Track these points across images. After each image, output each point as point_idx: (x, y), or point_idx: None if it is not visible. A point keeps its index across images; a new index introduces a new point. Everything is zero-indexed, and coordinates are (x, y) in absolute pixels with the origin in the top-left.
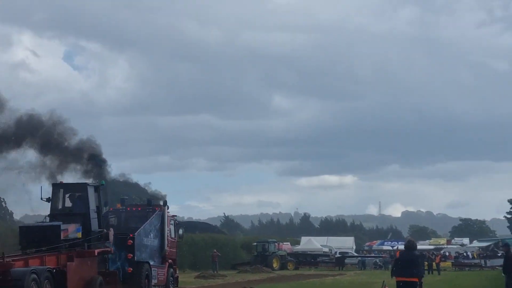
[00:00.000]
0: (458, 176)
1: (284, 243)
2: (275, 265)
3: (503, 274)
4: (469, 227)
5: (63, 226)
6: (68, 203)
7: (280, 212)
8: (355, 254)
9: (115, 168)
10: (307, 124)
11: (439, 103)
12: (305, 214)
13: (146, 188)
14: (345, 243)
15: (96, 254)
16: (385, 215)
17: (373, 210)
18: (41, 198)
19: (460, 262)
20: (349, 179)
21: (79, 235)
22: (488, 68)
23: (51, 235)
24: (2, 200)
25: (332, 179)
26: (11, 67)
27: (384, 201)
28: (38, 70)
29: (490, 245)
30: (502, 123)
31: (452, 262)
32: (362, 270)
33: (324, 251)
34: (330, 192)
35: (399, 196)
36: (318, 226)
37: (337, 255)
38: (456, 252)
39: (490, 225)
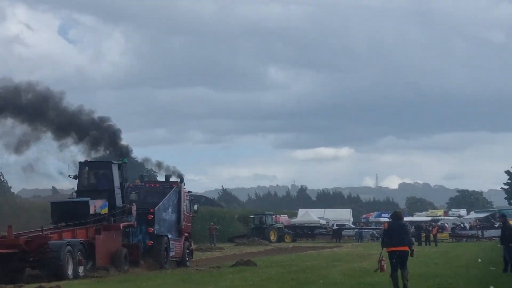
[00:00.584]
0: (454, 148)
1: (281, 215)
2: (272, 237)
3: (500, 245)
4: (466, 198)
5: (91, 202)
6: (93, 180)
7: (277, 185)
8: (352, 226)
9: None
10: (302, 97)
11: (435, 75)
12: (302, 186)
13: (144, 163)
14: (342, 215)
15: (121, 227)
16: (382, 187)
17: (369, 182)
18: (69, 176)
19: (457, 233)
20: (345, 151)
21: (105, 210)
22: (485, 40)
23: (80, 210)
24: (0, 174)
25: (328, 151)
26: (6, 41)
27: (380, 173)
28: (33, 44)
29: (487, 216)
30: (498, 94)
31: (449, 234)
32: (359, 242)
33: (321, 224)
34: (326, 165)
35: (395, 168)
36: (315, 199)
37: (334, 227)
38: (453, 223)
39: (487, 196)
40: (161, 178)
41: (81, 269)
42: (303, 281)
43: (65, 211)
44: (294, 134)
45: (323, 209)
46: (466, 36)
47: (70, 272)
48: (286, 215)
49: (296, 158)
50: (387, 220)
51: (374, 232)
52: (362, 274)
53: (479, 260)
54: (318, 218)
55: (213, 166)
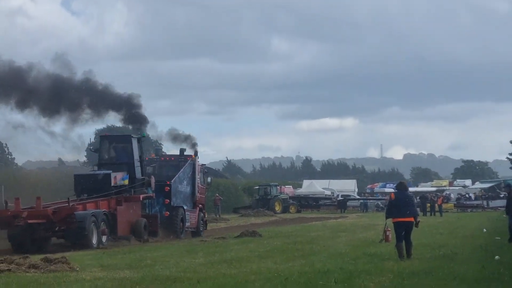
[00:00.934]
0: (459, 118)
1: (286, 186)
2: (277, 208)
3: (505, 215)
4: (471, 169)
5: (112, 174)
6: (113, 154)
7: (282, 156)
8: (357, 197)
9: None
10: (306, 67)
11: (438, 45)
12: (306, 157)
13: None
14: (347, 186)
15: (141, 199)
16: (387, 157)
17: (374, 153)
18: (90, 149)
19: (462, 203)
20: (349, 122)
21: (126, 182)
22: (488, 9)
23: (103, 183)
24: (5, 145)
25: (333, 122)
26: (9, 13)
27: (385, 144)
28: (35, 16)
29: (492, 186)
30: (503, 64)
31: (454, 204)
32: (364, 213)
33: (326, 194)
34: (330, 136)
35: (400, 139)
36: (319, 170)
37: (339, 198)
38: (458, 194)
39: (492, 167)
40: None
41: (104, 239)
42: (308, 251)
43: (88, 183)
44: (298, 105)
45: (327, 180)
46: (470, 5)
47: (94, 241)
48: (291, 186)
49: (300, 129)
50: (392, 190)
51: (379, 203)
52: (367, 245)
53: (484, 230)
54: (323, 189)
55: (217, 137)
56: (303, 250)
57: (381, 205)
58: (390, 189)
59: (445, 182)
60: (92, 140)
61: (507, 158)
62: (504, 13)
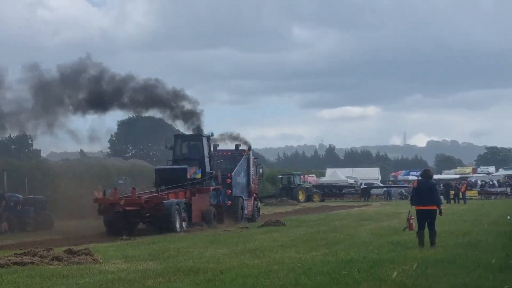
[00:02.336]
0: (481, 104)
1: (309, 175)
2: (300, 197)
3: None
4: (495, 155)
5: (188, 169)
6: (186, 150)
7: (305, 144)
8: (381, 185)
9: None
10: (327, 55)
11: (459, 31)
12: (330, 146)
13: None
14: (371, 174)
15: (211, 190)
16: (410, 145)
17: (397, 141)
18: (166, 147)
19: (486, 190)
20: (371, 110)
21: (199, 176)
22: None
23: (180, 176)
24: (29, 137)
25: (355, 110)
26: (29, 5)
27: (408, 131)
28: (56, 7)
29: None
30: None
31: (478, 191)
32: (387, 201)
33: (349, 183)
34: (353, 124)
35: (423, 126)
36: (343, 158)
37: (363, 186)
38: (482, 181)
39: None
40: None
41: (184, 225)
42: (332, 240)
43: (167, 176)
44: (320, 93)
45: (351, 168)
46: None
47: (177, 226)
48: (314, 175)
49: (322, 118)
50: (416, 178)
51: (403, 191)
52: (390, 233)
53: (508, 217)
54: (346, 177)
55: (240, 127)
56: (326, 239)
57: (404, 193)
58: (413, 176)
59: (468, 169)
60: (115, 131)
61: None
62: None
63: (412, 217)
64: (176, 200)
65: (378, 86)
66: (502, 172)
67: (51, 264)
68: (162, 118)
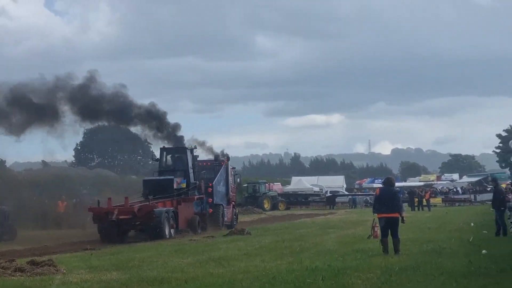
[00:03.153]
0: (446, 112)
1: (275, 183)
2: (266, 205)
3: (492, 209)
4: (459, 163)
5: (175, 179)
6: (171, 162)
7: (270, 153)
8: (346, 193)
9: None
10: (292, 64)
11: (423, 40)
12: (295, 154)
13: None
14: (336, 182)
15: (195, 199)
16: (375, 153)
17: (362, 149)
18: (153, 159)
19: (450, 197)
20: (336, 118)
21: (184, 185)
22: (471, 2)
23: (167, 186)
24: None
25: (319, 118)
26: None
27: (372, 139)
28: (17, 16)
29: (479, 180)
30: (488, 58)
31: (442, 198)
32: (352, 209)
33: (314, 191)
34: (318, 132)
35: (387, 134)
36: (308, 166)
37: (328, 194)
38: (446, 188)
39: (479, 160)
40: None
41: (172, 231)
42: (297, 249)
43: (155, 186)
44: (284, 102)
45: (316, 176)
46: None
47: (167, 233)
48: (279, 183)
49: (287, 126)
50: (381, 186)
51: (368, 198)
52: (355, 241)
53: (472, 224)
54: (311, 185)
55: (205, 135)
56: (291, 247)
57: (369, 201)
58: (378, 184)
59: (432, 177)
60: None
61: (494, 151)
62: (487, 7)
63: (377, 225)
64: (165, 209)
65: (343, 94)
66: (466, 179)
67: (13, 276)
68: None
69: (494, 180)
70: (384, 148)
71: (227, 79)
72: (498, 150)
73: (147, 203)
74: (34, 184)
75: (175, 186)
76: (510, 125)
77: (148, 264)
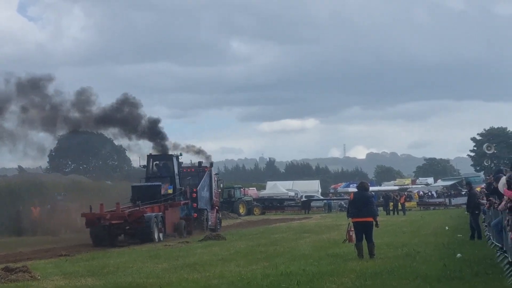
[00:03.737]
0: (420, 116)
1: (250, 188)
2: (241, 210)
3: (466, 212)
4: (434, 167)
5: (162, 185)
6: (158, 169)
7: (245, 158)
8: (321, 197)
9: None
10: (266, 69)
11: (396, 45)
12: (270, 159)
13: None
14: (311, 187)
15: (181, 204)
16: (350, 157)
17: (337, 153)
18: (139, 166)
19: (425, 201)
20: (310, 122)
21: (171, 191)
22: (444, 7)
23: (154, 192)
24: None
25: (294, 123)
26: None
27: (347, 144)
28: None
29: (454, 183)
30: (461, 62)
31: (417, 202)
32: (328, 213)
33: (290, 195)
34: (292, 137)
35: (362, 138)
36: (283, 171)
37: (303, 199)
38: (421, 192)
39: (454, 164)
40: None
41: (161, 235)
42: (272, 253)
43: (143, 192)
44: (259, 107)
45: (291, 181)
46: (426, 3)
47: (156, 237)
48: (254, 188)
49: (262, 131)
50: (356, 190)
51: (343, 203)
52: (330, 245)
53: (447, 227)
54: (286, 190)
55: (180, 141)
56: (266, 252)
57: (344, 205)
58: (353, 188)
59: (407, 181)
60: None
61: (468, 155)
62: (459, 12)
63: (352, 229)
64: (154, 214)
65: (318, 98)
66: (440, 183)
67: None
68: (101, 133)
69: (469, 184)
70: (359, 153)
71: (202, 84)
72: (472, 154)
73: (138, 208)
74: (8, 191)
75: (162, 192)
76: (484, 129)
77: (123, 270)
